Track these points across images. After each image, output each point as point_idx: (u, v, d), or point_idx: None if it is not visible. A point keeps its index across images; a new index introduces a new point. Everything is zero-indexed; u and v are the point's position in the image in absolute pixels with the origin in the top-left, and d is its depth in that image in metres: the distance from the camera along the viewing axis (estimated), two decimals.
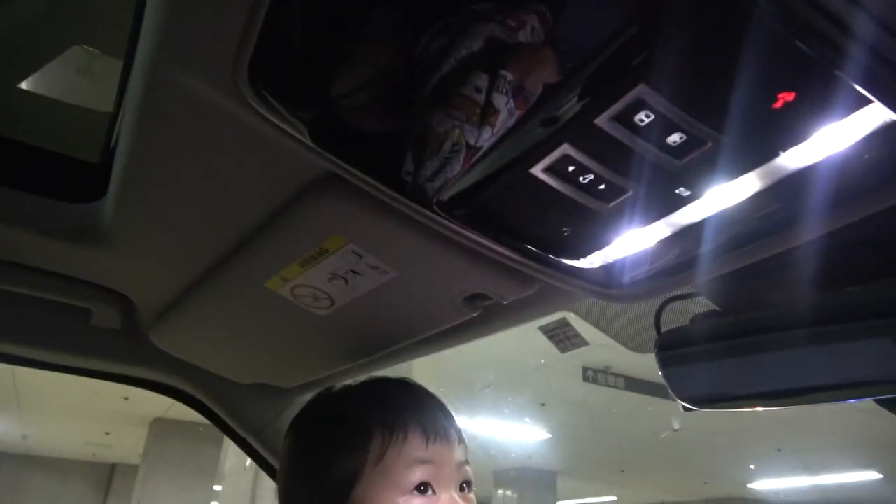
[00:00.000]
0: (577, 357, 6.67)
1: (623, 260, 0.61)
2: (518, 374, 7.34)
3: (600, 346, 6.24)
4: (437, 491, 0.70)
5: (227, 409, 1.14)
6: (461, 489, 0.73)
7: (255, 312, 0.84)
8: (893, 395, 0.61)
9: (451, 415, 0.77)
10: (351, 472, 0.70)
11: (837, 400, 0.61)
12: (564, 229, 0.57)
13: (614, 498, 16.58)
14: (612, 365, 6.81)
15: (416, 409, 0.74)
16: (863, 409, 7.77)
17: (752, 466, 11.69)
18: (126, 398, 8.59)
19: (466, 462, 0.75)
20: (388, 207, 0.57)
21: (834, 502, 14.94)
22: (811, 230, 0.50)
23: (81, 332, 0.99)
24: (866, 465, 10.90)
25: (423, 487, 0.69)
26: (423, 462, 0.70)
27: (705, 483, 13.48)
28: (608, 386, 6.92)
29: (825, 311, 0.63)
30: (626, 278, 0.62)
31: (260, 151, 0.57)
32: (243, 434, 1.16)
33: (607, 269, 0.62)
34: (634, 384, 7.05)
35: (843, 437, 9.13)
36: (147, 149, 0.60)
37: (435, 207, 0.54)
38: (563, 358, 6.73)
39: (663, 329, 0.75)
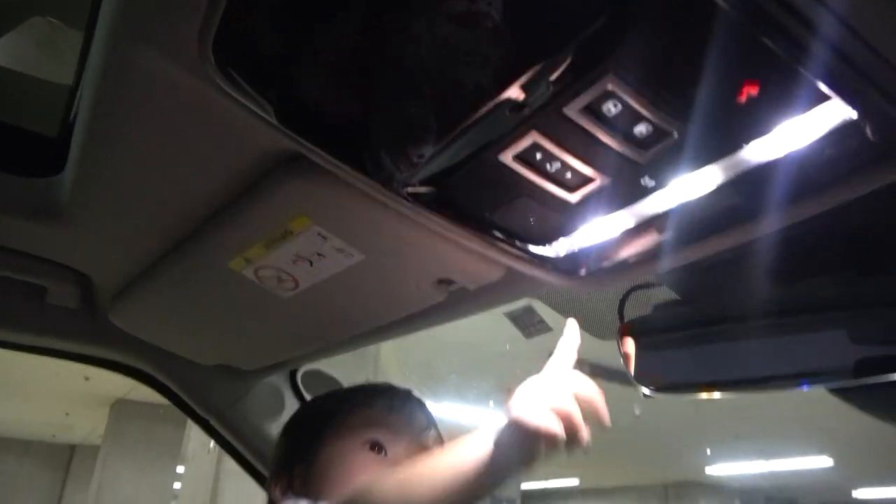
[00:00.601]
0: (543, 343, 6.74)
1: (588, 248, 0.61)
2: (484, 360, 7.39)
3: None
4: (388, 454, 0.77)
5: (188, 391, 1.13)
6: None
7: (217, 293, 0.83)
8: (845, 385, 0.63)
9: (425, 407, 0.85)
10: (320, 437, 0.79)
11: (792, 388, 0.62)
12: (531, 217, 0.57)
13: (576, 481, 16.89)
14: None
15: (388, 395, 0.84)
16: (817, 398, 8.00)
17: (709, 452, 12.00)
18: (87, 378, 8.43)
19: (429, 446, 0.77)
20: (354, 190, 0.56)
21: (786, 486, 15.44)
22: (771, 223, 0.51)
23: (37, 310, 0.97)
24: (819, 451, 11.27)
25: (376, 447, 0.76)
26: (381, 426, 0.78)
27: (665, 467, 13.81)
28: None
29: (782, 304, 0.64)
30: (591, 266, 0.63)
31: (224, 130, 0.55)
32: (205, 416, 1.15)
33: (573, 256, 0.62)
34: (599, 371, 7.14)
35: (798, 425, 9.41)
36: (107, 124, 0.58)
37: (401, 190, 0.53)
38: (529, 344, 6.80)
39: (626, 317, 0.77)
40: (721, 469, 13.41)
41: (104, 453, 9.49)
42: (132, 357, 1.08)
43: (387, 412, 0.81)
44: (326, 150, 0.50)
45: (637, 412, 8.63)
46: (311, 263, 0.71)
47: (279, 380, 1.17)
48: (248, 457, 1.19)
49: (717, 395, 0.68)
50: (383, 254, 0.68)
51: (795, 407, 8.43)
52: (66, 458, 13.85)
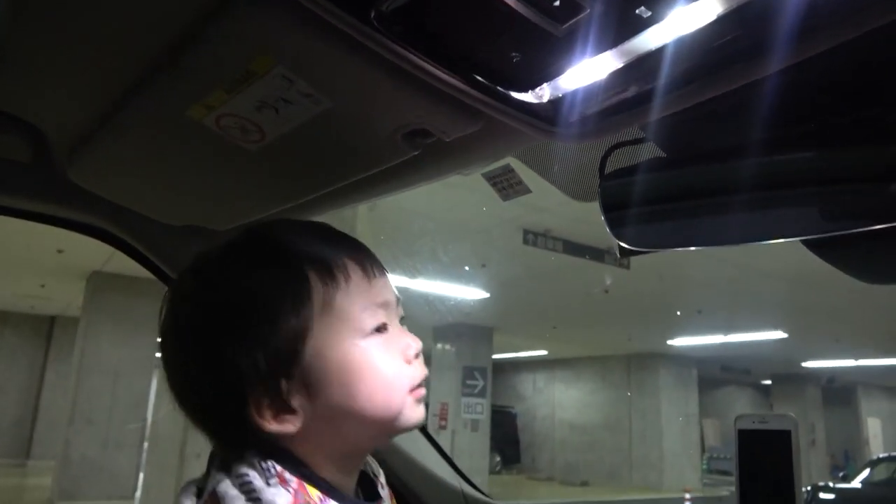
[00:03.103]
0: (518, 220, 6.81)
1: (574, 93, 0.57)
2: (461, 236, 7.48)
3: (541, 210, 6.37)
4: (388, 329, 0.65)
5: (157, 253, 1.10)
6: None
7: (179, 145, 0.78)
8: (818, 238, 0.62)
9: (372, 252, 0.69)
10: (299, 326, 0.60)
11: (770, 240, 0.62)
12: (514, 54, 0.53)
13: (545, 352, 17.77)
14: (552, 229, 6.99)
15: (345, 246, 0.66)
16: (777, 275, 8.34)
17: (673, 326, 12.61)
18: (60, 251, 8.38)
19: (398, 299, 0.69)
20: (321, 23, 0.51)
21: (741, 357, 16.43)
22: (771, 62, 0.47)
23: None
24: (775, 326, 11.91)
25: (380, 328, 0.64)
26: (377, 305, 0.64)
27: (629, 339, 14.54)
28: (547, 249, 7.14)
29: (762, 173, 0.62)
30: (576, 115, 0.59)
31: None
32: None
33: (556, 103, 0.58)
34: (572, 248, 7.30)
35: (757, 301, 9.86)
36: None
37: (372, 20, 0.48)
38: (505, 221, 6.87)
39: (608, 176, 0.74)
40: (682, 341, 14.17)
41: (84, 324, 9.65)
42: (97, 217, 1.04)
43: (370, 272, 0.65)
44: None
45: (606, 287, 8.94)
46: (277, 111, 0.66)
47: None
48: None
49: (692, 248, 0.67)
50: (354, 99, 0.63)
51: (756, 284, 8.79)
52: (46, 329, 14.10)
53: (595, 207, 0.74)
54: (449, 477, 1.34)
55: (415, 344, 0.66)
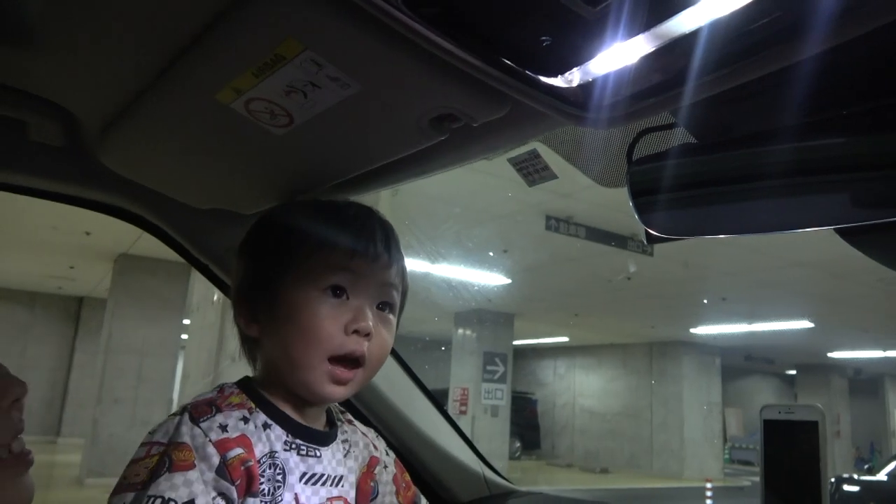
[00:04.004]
0: (541, 206, 6.77)
1: (604, 78, 0.56)
2: (484, 221, 7.46)
3: (564, 196, 6.32)
4: (350, 298, 0.75)
5: (185, 235, 1.12)
6: (380, 308, 0.78)
7: (208, 129, 0.79)
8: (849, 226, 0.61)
9: (390, 237, 0.80)
10: (282, 275, 0.75)
11: (801, 230, 0.60)
12: (544, 38, 0.52)
13: (566, 339, 17.72)
14: (575, 215, 6.94)
15: (350, 225, 0.77)
16: (805, 263, 8.21)
17: (696, 313, 12.48)
18: (87, 233, 8.52)
19: (392, 285, 0.79)
20: (349, 6, 0.51)
21: (766, 347, 16.23)
22: (808, 45, 0.46)
23: (20, 147, 0.93)
24: (801, 315, 11.73)
25: (338, 291, 0.75)
26: (342, 269, 0.75)
27: (652, 327, 14.44)
28: (570, 235, 7.10)
29: (794, 160, 0.61)
30: (606, 100, 0.58)
31: None
32: (204, 260, 1.14)
33: (586, 88, 0.58)
34: (594, 234, 7.24)
35: (785, 289, 9.71)
36: None
37: (401, 3, 0.48)
38: (528, 207, 6.83)
39: (636, 161, 0.73)
40: (705, 329, 14.03)
41: (111, 305, 9.83)
42: (126, 200, 1.06)
43: (349, 256, 0.75)
44: None
45: (629, 274, 8.87)
46: (306, 95, 0.66)
47: None
48: None
49: (722, 235, 0.66)
50: (382, 84, 0.63)
51: (784, 273, 8.66)
52: (75, 309, 14.40)
53: (618, 194, 0.73)
54: (470, 461, 1.35)
55: (363, 323, 0.74)
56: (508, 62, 0.56)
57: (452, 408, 12.73)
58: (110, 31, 0.67)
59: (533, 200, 6.48)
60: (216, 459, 0.66)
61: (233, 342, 4.57)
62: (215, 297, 4.68)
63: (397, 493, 0.88)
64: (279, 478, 0.71)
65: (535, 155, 0.87)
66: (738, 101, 0.61)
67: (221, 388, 0.76)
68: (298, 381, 0.75)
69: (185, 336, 9.71)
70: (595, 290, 10.71)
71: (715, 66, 0.51)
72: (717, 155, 0.65)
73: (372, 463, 0.86)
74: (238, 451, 0.67)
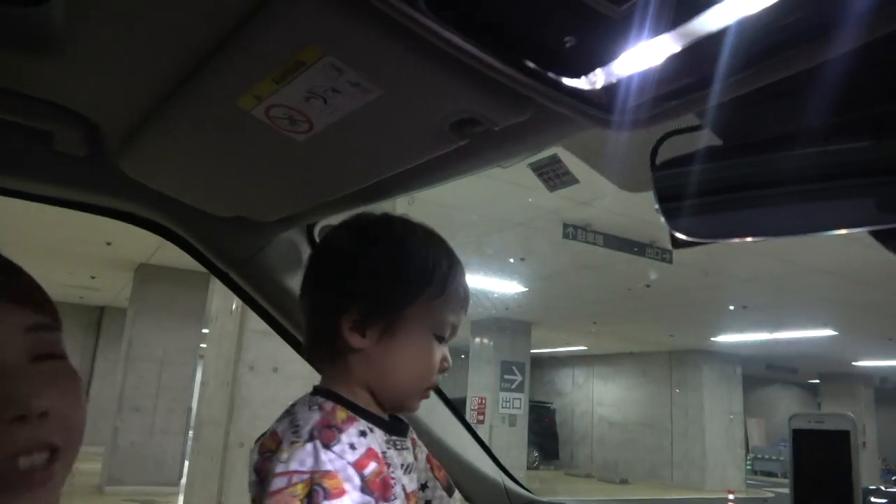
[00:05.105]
0: (559, 214, 6.75)
1: (628, 79, 0.55)
2: (500, 229, 7.45)
3: (581, 204, 6.30)
4: (444, 341, 0.84)
5: (205, 243, 1.12)
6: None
7: (228, 137, 0.79)
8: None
9: None
10: (413, 293, 0.80)
11: (833, 231, 0.59)
12: (567, 39, 0.51)
13: (584, 348, 17.60)
14: (592, 223, 6.90)
15: (461, 276, 0.85)
16: (829, 270, 8.08)
17: (716, 322, 12.34)
18: (108, 243, 8.64)
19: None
20: (370, 9, 0.50)
21: (788, 356, 15.98)
22: (839, 43, 0.45)
23: (46, 157, 0.94)
24: (825, 324, 11.55)
25: (441, 340, 0.83)
26: (451, 324, 0.83)
27: (671, 336, 14.29)
28: (587, 243, 7.07)
29: (825, 161, 0.60)
30: (630, 102, 0.57)
31: None
32: (224, 268, 1.15)
33: (609, 90, 0.57)
34: (612, 241, 7.20)
35: (807, 297, 9.57)
36: None
37: (422, 5, 0.47)
38: (544, 214, 6.81)
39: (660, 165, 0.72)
40: (725, 338, 13.86)
41: (132, 314, 9.94)
42: (147, 209, 1.07)
43: (457, 312, 0.84)
44: None
45: (648, 282, 8.79)
46: (326, 101, 0.66)
47: (296, 234, 1.16)
48: (270, 310, 1.20)
49: (749, 238, 0.65)
50: (402, 88, 0.63)
51: (808, 280, 8.53)
52: (96, 319, 14.58)
53: (636, 201, 0.72)
54: (490, 471, 1.33)
55: (448, 362, 0.84)
56: (531, 64, 0.55)
57: (470, 417, 12.67)
58: (134, 40, 0.68)
59: (550, 208, 6.46)
60: (358, 480, 0.70)
61: (251, 351, 4.58)
62: (234, 307, 4.71)
63: (432, 469, 0.92)
64: (393, 475, 0.77)
65: (555, 160, 0.87)
66: (765, 101, 0.60)
67: (319, 406, 0.77)
68: (394, 399, 0.82)
69: (203, 345, 9.79)
70: (613, 299, 10.63)
71: (742, 65, 0.50)
72: (744, 157, 0.64)
73: (413, 443, 0.90)
74: (373, 466, 0.73)
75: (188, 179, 0.96)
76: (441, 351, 0.82)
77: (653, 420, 16.70)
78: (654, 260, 7.52)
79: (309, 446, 0.70)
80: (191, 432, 9.13)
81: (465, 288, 0.86)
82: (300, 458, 0.69)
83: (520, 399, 12.90)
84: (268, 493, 0.68)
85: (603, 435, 18.34)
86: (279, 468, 0.69)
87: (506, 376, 12.85)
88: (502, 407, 12.69)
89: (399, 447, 0.81)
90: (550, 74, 0.56)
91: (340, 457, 0.70)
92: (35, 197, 1.02)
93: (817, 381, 20.67)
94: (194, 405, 9.59)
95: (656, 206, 0.64)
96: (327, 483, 0.68)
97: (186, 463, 9.24)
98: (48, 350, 0.59)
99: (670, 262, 7.64)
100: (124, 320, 10.52)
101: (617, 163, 0.83)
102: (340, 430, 0.73)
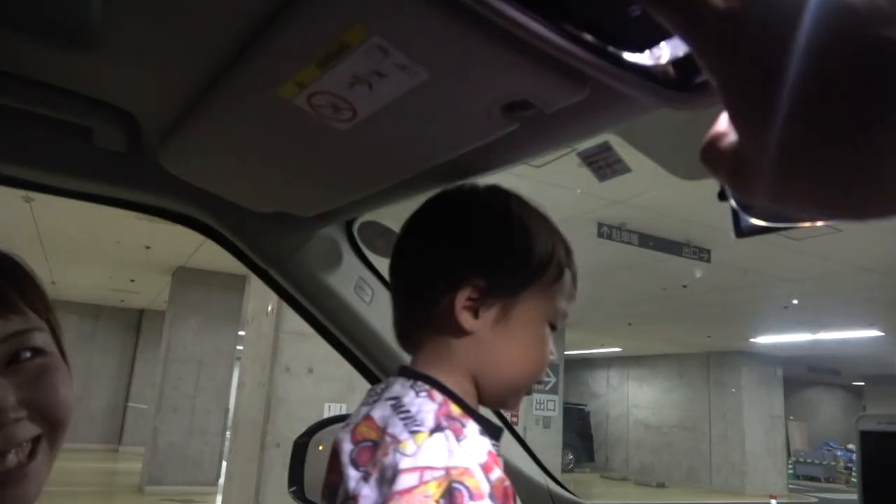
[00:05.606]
0: (593, 213, 6.65)
1: None
2: None
3: (616, 203, 6.20)
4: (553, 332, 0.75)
5: (245, 241, 1.11)
6: None
7: (269, 128, 0.77)
8: None
9: None
10: (535, 274, 0.72)
11: None
12: (633, 7, 0.48)
13: (619, 349, 17.38)
14: (628, 222, 6.80)
15: (573, 255, 0.78)
16: (874, 268, 7.82)
17: (756, 323, 12.06)
18: (147, 247, 8.81)
19: None
20: None
21: (830, 357, 15.55)
22: None
23: (86, 153, 0.93)
24: (870, 324, 11.20)
25: (553, 328, 0.75)
26: (563, 313, 0.75)
27: (709, 337, 14.01)
28: (622, 242, 6.96)
29: None
30: (698, 77, 0.53)
31: None
32: (264, 266, 1.13)
33: (676, 65, 0.53)
34: (648, 241, 7.08)
35: (851, 296, 9.29)
36: None
37: None
38: (579, 214, 6.72)
39: None
40: (766, 339, 13.54)
41: (170, 316, 10.12)
42: (186, 205, 1.06)
43: (570, 298, 0.76)
44: None
45: (684, 281, 8.62)
46: (371, 86, 0.63)
47: (335, 231, 1.14)
48: (310, 308, 1.18)
49: (819, 223, 0.60)
50: (450, 70, 0.60)
51: (851, 279, 8.27)
52: (135, 321, 14.91)
53: (674, 199, 0.68)
54: (534, 473, 1.29)
55: (555, 355, 0.76)
56: (589, 37, 0.51)
57: None
58: (172, 31, 0.66)
59: (584, 207, 6.38)
60: (487, 486, 0.59)
61: (287, 353, 4.61)
62: (269, 308, 4.75)
63: None
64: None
65: (606, 147, 0.83)
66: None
67: (428, 394, 0.66)
68: (501, 394, 0.73)
69: (240, 347, 9.92)
70: (649, 299, 10.46)
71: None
72: None
73: None
74: (497, 472, 0.61)
75: (228, 175, 0.94)
76: (550, 340, 0.74)
77: (690, 423, 16.40)
78: (692, 259, 7.37)
79: (439, 438, 0.60)
80: (228, 433, 9.28)
81: (576, 273, 0.77)
82: (431, 452, 0.59)
83: (554, 401, 12.77)
84: (393, 493, 0.57)
85: (639, 438, 18.08)
86: (405, 463, 0.58)
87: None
88: (536, 409, 12.58)
89: (497, 451, 0.68)
90: (611, 48, 0.52)
91: (470, 455, 0.60)
92: (76, 194, 1.01)
93: (862, 383, 20.07)
94: (231, 406, 9.74)
95: (725, 189, 0.60)
96: (469, 481, 0.57)
97: (224, 463, 9.38)
98: (25, 347, 0.64)
99: (708, 261, 7.48)
100: (163, 323, 10.72)
101: (672, 148, 0.79)
102: (463, 426, 0.63)
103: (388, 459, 0.60)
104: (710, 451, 15.74)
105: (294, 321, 4.42)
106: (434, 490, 0.56)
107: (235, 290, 9.79)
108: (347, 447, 0.66)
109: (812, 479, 18.78)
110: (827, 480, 18.42)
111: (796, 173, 0.28)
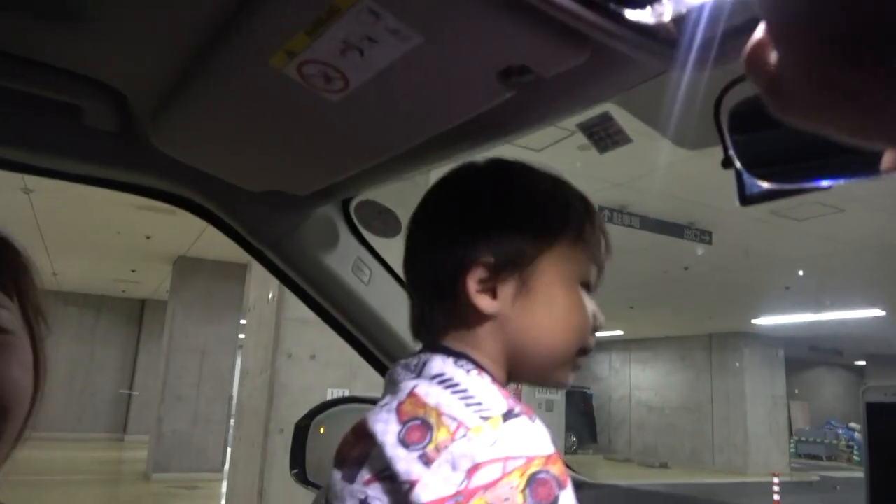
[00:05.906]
0: (593, 196, 6.62)
1: (699, 9, 0.50)
2: None
3: (617, 186, 6.16)
4: (591, 291, 0.70)
5: (240, 221, 1.09)
6: None
7: (260, 102, 0.75)
8: None
9: None
10: (548, 234, 0.67)
11: None
12: None
13: (621, 332, 17.40)
14: (629, 205, 6.77)
15: (594, 207, 0.73)
16: (876, 247, 7.79)
17: (757, 304, 12.06)
18: (148, 237, 8.79)
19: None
20: None
21: (831, 337, 15.57)
22: None
23: (76, 133, 0.92)
24: (871, 304, 11.19)
25: (588, 287, 0.70)
26: (597, 266, 0.71)
27: (710, 318, 14.02)
28: (623, 225, 6.93)
29: None
30: (702, 37, 0.51)
31: None
32: (259, 246, 1.11)
33: (680, 23, 0.51)
34: (649, 223, 7.05)
35: (853, 276, 9.27)
36: None
37: None
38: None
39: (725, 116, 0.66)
40: (767, 320, 13.55)
41: (172, 306, 10.13)
42: (180, 185, 1.04)
43: (603, 244, 0.71)
44: None
45: (686, 263, 8.60)
46: (362, 53, 0.61)
47: (332, 210, 1.12)
48: (308, 290, 1.17)
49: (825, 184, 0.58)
50: (444, 33, 0.58)
51: (852, 259, 8.25)
52: (138, 312, 14.93)
53: (675, 181, 0.66)
54: None
55: (601, 317, 0.70)
56: None
57: None
58: (160, 4, 0.64)
59: (585, 189, 6.34)
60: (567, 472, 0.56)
61: (288, 340, 4.60)
62: (270, 296, 4.74)
63: None
64: None
65: (607, 117, 0.81)
66: None
67: (479, 372, 0.62)
68: (542, 373, 0.68)
69: (241, 335, 9.94)
70: (650, 282, 10.45)
71: None
72: None
73: None
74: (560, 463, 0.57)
75: (220, 152, 0.93)
76: (592, 304, 0.69)
77: (693, 404, 16.45)
78: (693, 241, 7.35)
79: (516, 424, 0.56)
80: (232, 420, 9.32)
81: (605, 228, 0.72)
82: (511, 439, 0.54)
83: None
84: (477, 488, 0.52)
85: (642, 419, 18.15)
86: (485, 453, 0.53)
87: None
88: (539, 392, 12.63)
89: None
90: (611, 5, 0.50)
91: (547, 439, 0.56)
92: (68, 175, 0.99)
93: (863, 362, 20.12)
94: (235, 394, 9.78)
95: (729, 151, 0.58)
96: (553, 468, 0.54)
97: (229, 450, 9.44)
98: None
99: (710, 242, 7.46)
100: (165, 313, 10.73)
101: (673, 116, 0.77)
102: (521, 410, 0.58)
103: (459, 448, 0.54)
104: (712, 432, 15.80)
105: (295, 308, 4.41)
106: (518, 480, 0.52)
107: (237, 279, 9.79)
108: (394, 427, 0.58)
109: (814, 457, 18.87)
110: (829, 459, 18.51)
111: (841, 98, 0.25)
